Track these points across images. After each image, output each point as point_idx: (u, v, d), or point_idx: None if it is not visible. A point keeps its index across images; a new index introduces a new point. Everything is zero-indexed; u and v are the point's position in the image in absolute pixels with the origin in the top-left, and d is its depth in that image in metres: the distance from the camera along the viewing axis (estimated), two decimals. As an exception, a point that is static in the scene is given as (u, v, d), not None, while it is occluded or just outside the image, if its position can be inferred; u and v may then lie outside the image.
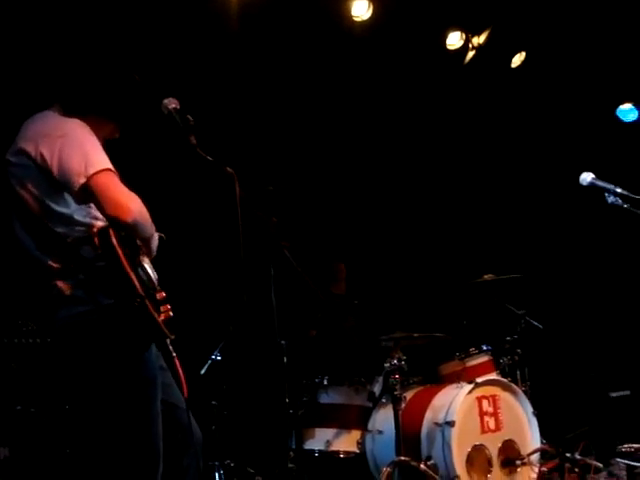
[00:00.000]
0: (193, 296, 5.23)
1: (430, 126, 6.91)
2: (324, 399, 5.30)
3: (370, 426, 5.11)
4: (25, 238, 2.67)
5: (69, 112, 2.74)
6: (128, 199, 2.55)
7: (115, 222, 2.54)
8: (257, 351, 5.66)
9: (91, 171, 2.53)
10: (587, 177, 3.66)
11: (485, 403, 4.80)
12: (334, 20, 5.88)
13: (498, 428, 4.79)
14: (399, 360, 4.83)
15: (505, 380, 5.00)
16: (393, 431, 4.67)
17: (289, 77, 6.07)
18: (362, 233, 6.91)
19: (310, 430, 5.23)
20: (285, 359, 5.01)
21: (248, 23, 5.55)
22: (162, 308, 2.70)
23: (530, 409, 4.93)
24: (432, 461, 4.60)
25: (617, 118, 6.90)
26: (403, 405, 4.74)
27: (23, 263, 2.70)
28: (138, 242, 2.70)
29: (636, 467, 4.93)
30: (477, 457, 4.64)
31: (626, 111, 6.90)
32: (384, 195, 7.01)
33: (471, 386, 4.76)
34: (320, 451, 5.13)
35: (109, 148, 2.73)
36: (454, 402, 4.68)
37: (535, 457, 4.84)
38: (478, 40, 6.25)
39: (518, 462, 4.74)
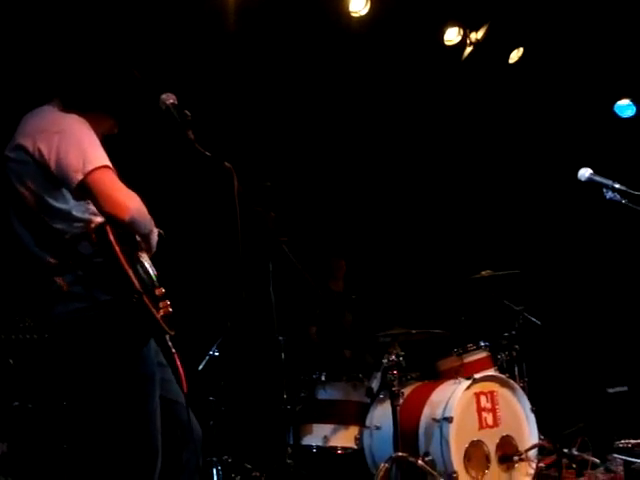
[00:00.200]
0: (191, 292, 5.22)
1: (428, 122, 6.91)
2: (322, 395, 5.31)
3: (368, 422, 5.11)
4: (24, 234, 2.66)
5: (69, 107, 2.73)
6: (126, 196, 2.55)
7: (112, 219, 2.53)
8: (255, 347, 5.67)
9: (89, 168, 2.52)
10: (585, 172, 3.66)
11: (483, 399, 4.80)
12: (332, 16, 5.87)
13: (496, 424, 4.79)
14: (397, 356, 4.83)
15: (503, 376, 5.00)
16: (391, 427, 4.68)
17: (287, 73, 6.06)
18: (360, 229, 6.91)
19: (308, 426, 5.24)
20: (283, 355, 5.01)
21: (246, 18, 5.53)
22: (161, 304, 2.69)
23: (528, 405, 4.93)
24: (430, 457, 4.60)
25: (615, 114, 6.90)
26: (401, 401, 4.74)
27: (21, 259, 2.70)
28: (137, 238, 2.70)
29: (633, 463, 4.93)
30: (475, 453, 4.64)
31: (624, 107, 6.90)
32: (382, 191, 7.00)
33: (469, 382, 4.76)
34: (318, 447, 5.14)
35: (107, 144, 2.72)
36: (452, 398, 4.68)
37: (533, 453, 4.84)
38: (476, 36, 6.24)
39: (516, 458, 4.75)
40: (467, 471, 4.56)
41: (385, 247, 6.95)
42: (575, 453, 5.20)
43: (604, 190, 3.57)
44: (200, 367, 5.17)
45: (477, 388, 4.80)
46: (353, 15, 5.91)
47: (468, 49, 6.27)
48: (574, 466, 5.19)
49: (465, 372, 4.95)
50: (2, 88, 4.76)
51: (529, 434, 4.90)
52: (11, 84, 4.78)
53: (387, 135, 6.86)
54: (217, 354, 5.20)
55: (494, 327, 5.59)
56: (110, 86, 2.80)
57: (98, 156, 2.57)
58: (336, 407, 5.28)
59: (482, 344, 5.18)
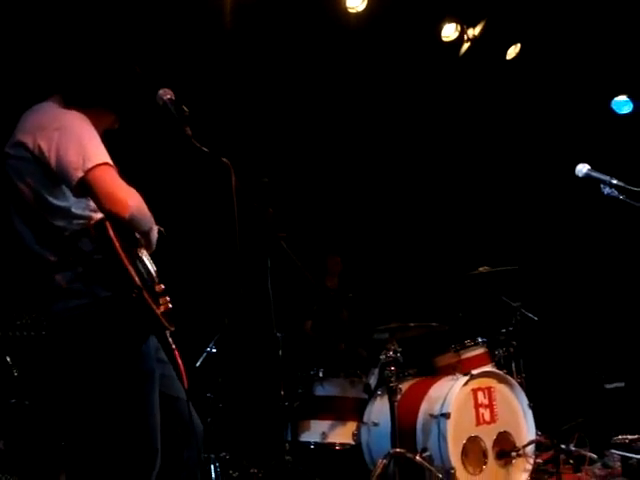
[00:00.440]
0: (189, 288, 5.21)
1: (425, 118, 6.90)
2: (319, 391, 5.31)
3: (366, 418, 5.12)
4: (24, 231, 2.65)
5: (69, 103, 2.72)
6: (125, 194, 2.54)
7: (112, 217, 2.52)
8: (252, 343, 5.66)
9: (89, 165, 2.51)
10: (583, 168, 3.66)
11: (480, 395, 4.80)
12: (329, 11, 5.86)
13: (493, 420, 4.79)
14: (394, 352, 4.82)
15: (500, 372, 5.00)
16: (389, 423, 4.67)
17: (284, 69, 6.05)
18: (357, 226, 6.90)
19: (306, 422, 5.24)
20: (280, 351, 5.01)
21: (244, 14, 5.52)
22: (161, 300, 2.69)
23: (525, 401, 4.93)
24: (427, 453, 4.59)
25: (612, 110, 6.90)
26: (398, 397, 4.73)
27: (21, 256, 2.69)
28: (137, 235, 2.69)
29: (630, 458, 4.94)
30: (472, 449, 4.64)
31: (621, 103, 6.90)
32: (379, 188, 7.00)
33: (466, 378, 4.76)
34: (316, 443, 5.14)
35: (106, 140, 2.71)
36: (449, 394, 4.68)
37: (530, 449, 4.85)
38: (473, 32, 6.24)
39: (513, 454, 4.75)
40: (465, 467, 4.56)
41: (382, 243, 6.95)
42: (573, 449, 5.21)
43: (602, 186, 3.58)
44: (197, 364, 5.17)
45: (474, 384, 4.80)
46: (350, 11, 5.91)
47: (465, 45, 6.27)
48: (572, 462, 5.20)
49: (462, 368, 4.95)
50: (2, 85, 4.75)
51: (526, 430, 4.90)
52: (12, 81, 4.77)
53: (384, 131, 6.86)
54: (214, 351, 5.19)
55: (491, 323, 5.59)
56: (111, 81, 2.79)
57: (98, 153, 2.56)
58: (334, 403, 5.28)
59: (479, 340, 5.17)
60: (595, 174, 3.62)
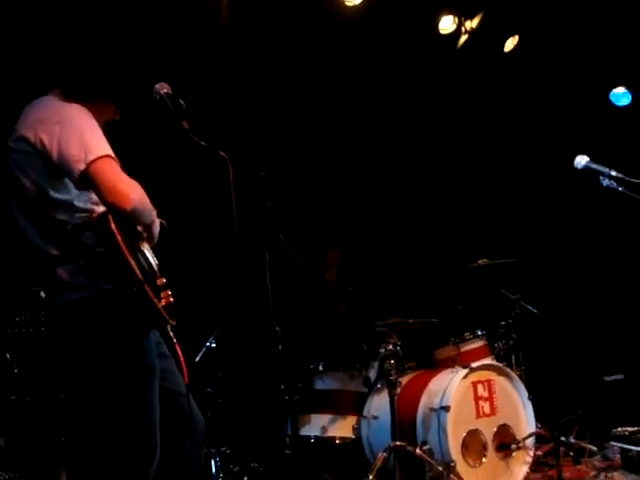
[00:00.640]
0: (187, 282, 5.21)
1: (423, 111, 6.89)
2: (319, 385, 5.31)
3: (365, 412, 5.12)
4: (26, 225, 2.65)
5: (70, 96, 2.72)
6: (128, 186, 2.54)
7: (115, 209, 2.52)
8: (252, 338, 5.66)
9: (90, 158, 2.51)
10: (582, 160, 3.66)
11: (480, 388, 4.81)
12: (326, 4, 5.85)
13: (493, 413, 4.80)
14: (394, 345, 4.82)
15: (500, 365, 5.00)
16: (389, 416, 4.68)
17: (281, 62, 6.03)
18: (356, 219, 6.89)
19: (306, 416, 5.24)
20: (280, 346, 5.01)
21: (241, 7, 5.51)
22: (162, 294, 2.69)
23: (525, 393, 4.93)
24: (428, 446, 4.60)
25: (610, 102, 6.88)
26: (398, 390, 4.74)
27: (23, 251, 2.69)
28: (139, 228, 2.69)
29: (630, 450, 4.95)
30: (472, 442, 4.64)
31: (619, 95, 6.88)
32: (378, 181, 6.99)
33: (466, 371, 4.76)
34: (316, 437, 5.15)
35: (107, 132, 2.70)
36: (449, 387, 4.68)
37: (530, 441, 4.85)
38: (471, 24, 6.22)
39: (513, 446, 4.76)
40: (465, 460, 4.57)
41: (381, 237, 6.94)
42: (572, 441, 5.22)
43: (601, 178, 3.57)
44: (197, 358, 5.16)
45: (474, 377, 4.81)
46: (347, 4, 5.90)
47: (463, 37, 6.25)
48: (571, 454, 5.21)
49: (462, 361, 4.95)
50: (3, 79, 4.74)
51: (526, 422, 4.90)
52: (13, 75, 4.76)
53: (382, 125, 6.84)
54: (214, 345, 5.19)
55: (491, 316, 5.60)
56: (110, 73, 2.79)
57: (100, 146, 2.57)
58: (334, 397, 5.28)
59: (479, 333, 5.17)
60: (594, 166, 3.62)
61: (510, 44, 6.46)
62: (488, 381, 4.85)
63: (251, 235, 2.92)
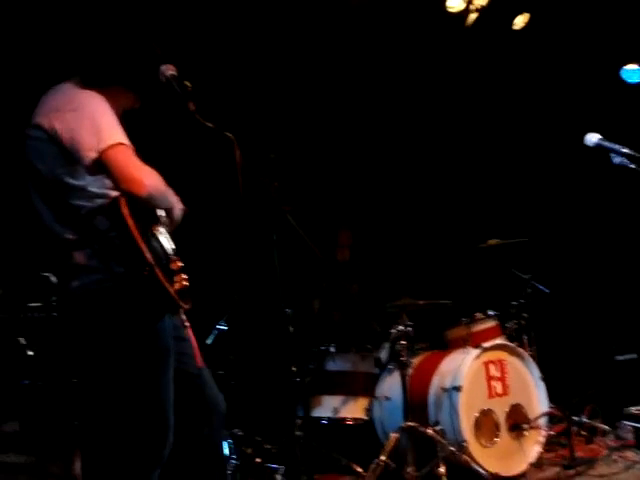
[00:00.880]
0: (197, 265, 5.20)
1: (433, 92, 6.84)
2: (331, 367, 5.32)
3: (378, 392, 5.13)
4: (43, 210, 2.70)
5: (87, 84, 2.74)
6: (141, 173, 2.58)
7: (130, 195, 2.56)
8: (263, 320, 5.66)
9: (103, 146, 2.56)
10: (593, 138, 3.62)
11: (492, 368, 4.80)
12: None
13: (505, 393, 4.79)
14: (405, 326, 4.82)
15: (512, 344, 5.00)
16: (400, 397, 4.68)
17: (290, 44, 6.00)
18: (367, 199, 6.88)
19: (318, 398, 5.26)
20: (291, 328, 5.01)
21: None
22: (176, 278, 2.70)
23: (537, 373, 4.93)
24: (440, 426, 4.61)
25: (622, 79, 6.81)
26: (410, 371, 4.75)
27: (40, 235, 2.73)
28: (159, 212, 2.72)
29: (643, 429, 4.95)
30: (485, 422, 4.65)
31: (631, 72, 6.80)
32: (389, 161, 6.96)
33: (478, 351, 4.76)
34: (328, 418, 5.16)
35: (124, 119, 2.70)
36: (461, 367, 4.68)
37: (542, 421, 4.85)
38: (480, 2, 6.14)
39: (525, 426, 4.75)
40: (477, 440, 4.58)
41: (392, 217, 6.92)
42: (585, 420, 5.22)
43: (612, 155, 3.53)
44: (209, 341, 5.17)
45: (486, 357, 4.80)
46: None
47: (473, 15, 6.18)
48: (584, 434, 5.20)
49: (474, 341, 4.95)
50: (25, 66, 4.76)
51: (539, 402, 4.90)
52: (34, 63, 4.78)
53: (392, 105, 6.80)
54: (225, 328, 5.19)
55: (502, 296, 5.58)
56: (128, 59, 2.80)
57: (113, 133, 2.60)
58: (345, 378, 5.29)
59: (490, 313, 5.16)
60: (605, 143, 3.58)
61: (521, 22, 6.39)
62: (500, 361, 4.85)
63: (259, 216, 2.91)
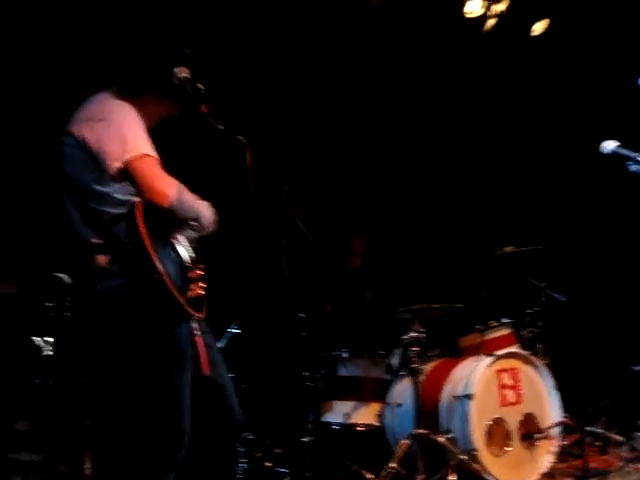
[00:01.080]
0: (209, 268, 5.21)
1: (449, 96, 6.82)
2: (343, 372, 5.31)
3: (389, 399, 5.10)
4: (74, 214, 2.77)
5: (124, 93, 2.80)
6: (163, 184, 2.62)
7: (153, 206, 2.61)
8: (276, 324, 5.66)
9: (127, 157, 2.61)
10: (609, 145, 3.58)
11: (505, 376, 4.76)
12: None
13: (518, 401, 4.75)
14: (418, 332, 4.79)
15: (526, 353, 4.95)
16: (412, 404, 4.66)
17: (305, 46, 6.01)
18: (381, 205, 6.86)
19: (329, 403, 5.24)
20: (304, 332, 5.00)
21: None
22: (192, 286, 2.72)
23: (551, 383, 4.88)
24: (451, 434, 4.58)
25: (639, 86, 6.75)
26: (422, 378, 4.72)
27: (68, 237, 2.81)
28: (191, 221, 2.75)
29: (658, 440, 4.89)
30: (496, 430, 4.61)
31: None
32: (404, 167, 6.95)
33: (491, 359, 4.72)
34: (339, 424, 5.14)
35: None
36: (473, 375, 4.64)
37: (556, 431, 4.80)
38: (499, 7, 6.12)
39: (538, 436, 4.71)
40: (488, 448, 4.54)
41: (407, 223, 6.90)
42: (599, 431, 5.16)
43: (628, 163, 3.50)
44: (222, 345, 5.17)
45: (499, 365, 4.76)
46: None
47: (491, 21, 6.15)
48: (598, 444, 5.15)
49: (487, 349, 4.90)
50: (70, 75, 4.85)
51: (552, 412, 4.84)
52: (78, 72, 4.87)
53: (408, 109, 6.79)
54: (238, 331, 5.19)
55: (517, 304, 5.53)
56: (164, 67, 2.83)
57: (139, 144, 2.65)
58: (357, 384, 5.28)
59: (505, 321, 5.12)
60: (622, 151, 3.54)
61: (539, 28, 6.35)
62: (513, 369, 4.81)
63: (268, 220, 2.91)
